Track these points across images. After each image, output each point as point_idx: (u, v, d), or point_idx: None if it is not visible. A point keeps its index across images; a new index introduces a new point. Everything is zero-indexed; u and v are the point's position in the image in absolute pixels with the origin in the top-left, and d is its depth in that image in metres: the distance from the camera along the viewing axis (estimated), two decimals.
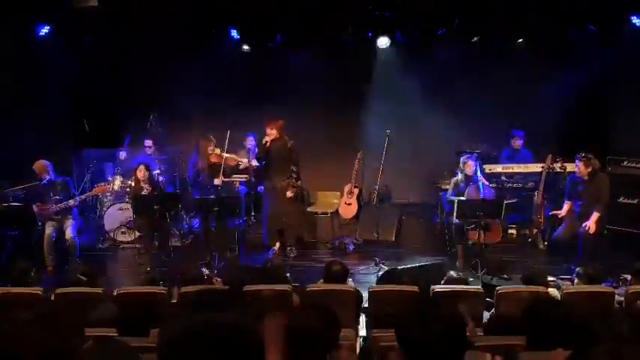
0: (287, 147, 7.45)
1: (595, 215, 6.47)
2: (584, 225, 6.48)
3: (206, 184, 7.57)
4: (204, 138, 7.55)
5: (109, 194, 8.31)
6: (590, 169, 6.58)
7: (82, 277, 4.73)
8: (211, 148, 7.52)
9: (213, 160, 7.57)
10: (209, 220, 7.35)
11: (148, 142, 8.95)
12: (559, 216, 6.98)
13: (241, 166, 8.20)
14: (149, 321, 3.56)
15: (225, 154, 7.58)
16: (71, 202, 7.07)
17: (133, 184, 7.74)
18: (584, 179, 6.65)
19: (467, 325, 2.61)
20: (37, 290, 4.54)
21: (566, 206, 6.90)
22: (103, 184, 7.74)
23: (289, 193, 7.43)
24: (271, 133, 7.38)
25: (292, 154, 7.46)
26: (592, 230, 6.43)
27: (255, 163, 8.08)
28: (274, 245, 7.54)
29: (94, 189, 7.51)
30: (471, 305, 4.18)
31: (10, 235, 6.91)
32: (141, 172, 7.37)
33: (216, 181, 7.52)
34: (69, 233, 7.02)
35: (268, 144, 7.39)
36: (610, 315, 3.13)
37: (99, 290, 4.52)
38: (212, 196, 7.33)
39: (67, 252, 7.08)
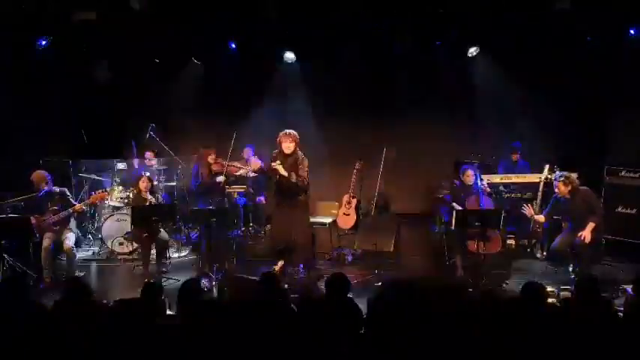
0: (297, 162, 6.88)
1: (590, 225, 6.48)
2: (579, 235, 6.50)
3: (209, 186, 7.44)
4: (205, 147, 7.51)
5: (107, 204, 8.31)
6: (569, 188, 6.64)
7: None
8: (212, 157, 7.48)
9: (215, 168, 7.53)
10: (210, 231, 7.31)
11: (149, 154, 8.96)
12: (534, 218, 7.03)
13: (241, 172, 8.11)
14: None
15: (227, 163, 7.52)
16: (72, 208, 7.04)
17: (132, 195, 7.73)
18: (567, 198, 6.70)
19: None
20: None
21: (544, 217, 6.97)
22: (100, 191, 7.69)
23: (275, 165, 6.79)
24: (289, 147, 6.81)
25: (301, 167, 6.89)
26: (587, 240, 6.44)
27: (253, 174, 8.04)
28: (277, 262, 7.21)
29: (92, 196, 7.46)
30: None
31: (7, 247, 6.87)
32: (144, 183, 7.36)
33: (219, 179, 7.40)
34: (67, 244, 6.99)
35: (280, 162, 6.80)
36: None
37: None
38: (210, 207, 7.30)
39: (66, 263, 7.05)
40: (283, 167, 6.82)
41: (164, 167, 9.10)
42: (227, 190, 8.04)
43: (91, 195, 7.61)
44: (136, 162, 8.97)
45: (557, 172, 6.89)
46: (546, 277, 6.67)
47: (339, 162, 8.92)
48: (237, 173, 7.86)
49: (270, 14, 7.80)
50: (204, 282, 6.62)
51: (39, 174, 7.10)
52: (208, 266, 7.17)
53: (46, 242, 6.90)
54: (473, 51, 8.95)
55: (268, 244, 7.66)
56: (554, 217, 7.05)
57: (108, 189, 8.40)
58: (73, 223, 7.31)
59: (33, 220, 6.84)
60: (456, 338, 3.38)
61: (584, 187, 6.81)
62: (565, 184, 6.65)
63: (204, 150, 7.49)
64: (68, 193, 7.34)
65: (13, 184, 7.62)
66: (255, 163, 7.31)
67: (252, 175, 8.11)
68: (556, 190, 6.78)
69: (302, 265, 7.29)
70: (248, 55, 9.08)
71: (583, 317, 3.84)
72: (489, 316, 3.79)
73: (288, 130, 6.86)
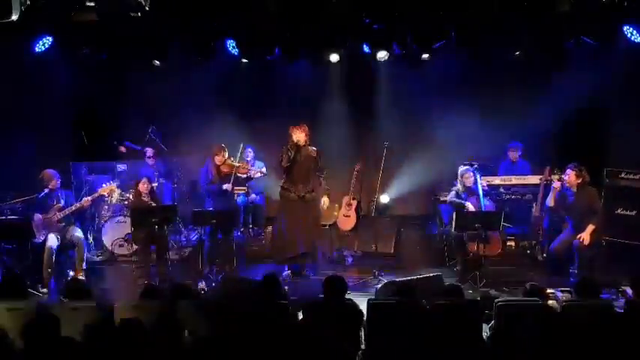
0: (313, 155, 6.97)
1: (590, 227, 6.49)
2: (578, 237, 6.50)
3: (217, 190, 7.44)
4: (217, 147, 7.48)
5: (107, 206, 8.31)
6: (580, 181, 6.66)
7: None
8: (220, 158, 7.46)
9: (224, 170, 7.52)
10: (216, 233, 7.30)
11: (150, 152, 8.93)
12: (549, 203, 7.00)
13: (252, 174, 8.11)
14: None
15: (237, 164, 7.52)
16: (80, 204, 7.04)
17: (132, 196, 7.72)
18: (573, 191, 6.68)
19: None
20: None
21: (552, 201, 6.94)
22: (108, 183, 7.61)
23: (324, 201, 7.14)
24: (300, 138, 6.88)
25: (318, 160, 7.02)
26: (587, 242, 6.45)
27: (259, 175, 8.06)
28: (286, 268, 7.11)
29: (100, 189, 7.37)
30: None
31: (6, 249, 6.86)
32: (144, 185, 7.33)
33: (226, 186, 7.43)
34: (77, 235, 7.00)
35: (293, 151, 6.88)
36: None
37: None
38: (210, 209, 7.30)
39: (77, 253, 6.99)
40: (297, 159, 6.87)
41: (164, 167, 9.10)
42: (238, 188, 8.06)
43: (97, 189, 7.57)
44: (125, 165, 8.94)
45: (575, 163, 6.79)
46: (546, 279, 6.68)
47: (339, 163, 8.92)
48: (245, 175, 7.90)
49: (270, 9, 7.75)
50: (203, 284, 6.63)
51: (49, 173, 7.09)
52: (208, 268, 7.18)
53: (50, 242, 6.84)
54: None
55: (279, 244, 7.23)
56: (555, 212, 7.02)
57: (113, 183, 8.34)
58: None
59: (39, 218, 6.83)
60: None
61: (592, 187, 6.82)
62: (577, 175, 6.64)
63: (214, 150, 7.47)
64: (71, 193, 7.35)
65: (12, 185, 7.62)
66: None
67: (258, 176, 8.16)
68: (565, 177, 6.74)
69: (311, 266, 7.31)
70: (247, 55, 9.06)
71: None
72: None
73: (296, 123, 6.99)
